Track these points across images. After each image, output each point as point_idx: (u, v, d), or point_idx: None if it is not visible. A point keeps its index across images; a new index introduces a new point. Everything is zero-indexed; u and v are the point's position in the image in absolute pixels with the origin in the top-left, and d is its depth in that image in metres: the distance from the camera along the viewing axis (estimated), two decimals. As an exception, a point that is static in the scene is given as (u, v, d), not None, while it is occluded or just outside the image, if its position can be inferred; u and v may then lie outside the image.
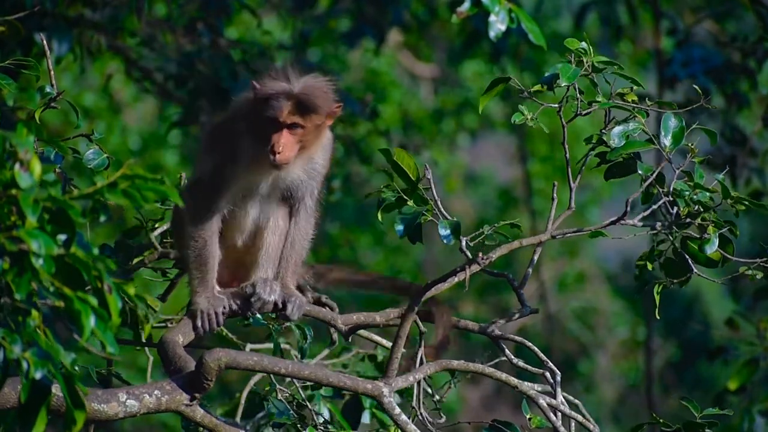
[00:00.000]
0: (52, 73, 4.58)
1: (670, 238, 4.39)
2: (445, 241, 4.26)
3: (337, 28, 10.34)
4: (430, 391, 4.64)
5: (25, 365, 3.26)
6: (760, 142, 9.01)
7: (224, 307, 4.58)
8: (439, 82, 14.11)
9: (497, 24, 6.01)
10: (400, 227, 4.36)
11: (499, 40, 6.04)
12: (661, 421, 4.31)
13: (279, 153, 4.48)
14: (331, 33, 10.92)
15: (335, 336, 4.88)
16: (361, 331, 4.73)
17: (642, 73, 13.41)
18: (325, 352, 4.96)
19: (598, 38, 11.01)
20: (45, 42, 4.95)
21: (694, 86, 4.64)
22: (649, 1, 9.66)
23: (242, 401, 4.95)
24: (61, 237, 3.27)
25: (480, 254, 4.32)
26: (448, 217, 4.32)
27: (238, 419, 4.88)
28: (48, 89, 4.46)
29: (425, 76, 14.29)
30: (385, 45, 9.64)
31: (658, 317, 4.44)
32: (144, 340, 4.65)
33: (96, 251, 3.31)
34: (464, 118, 13.54)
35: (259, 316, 4.63)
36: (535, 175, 14.07)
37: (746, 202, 4.36)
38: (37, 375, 3.26)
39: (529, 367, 4.40)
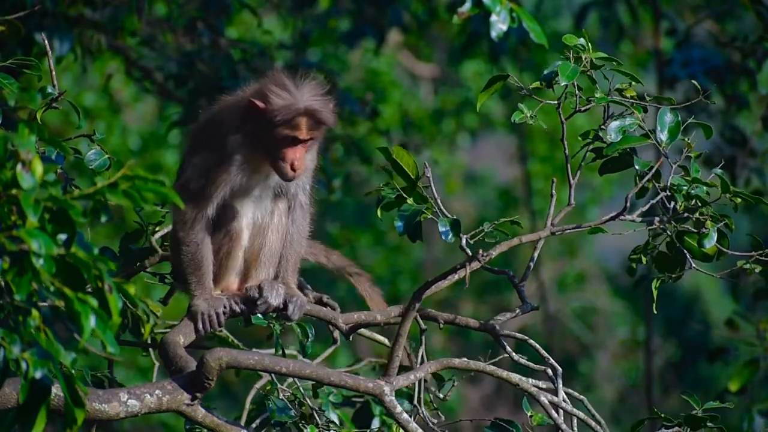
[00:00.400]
0: (53, 73, 4.57)
1: (668, 232, 4.40)
2: (444, 238, 4.26)
3: (337, 28, 10.34)
4: (434, 389, 4.63)
5: (24, 365, 3.26)
6: (759, 142, 9.01)
7: (224, 307, 4.57)
8: (439, 82, 14.11)
9: (499, 24, 6.00)
10: (399, 225, 4.37)
11: (499, 40, 6.03)
12: (662, 416, 4.32)
13: (298, 169, 4.50)
14: (331, 33, 10.91)
15: (336, 335, 4.88)
16: (364, 331, 4.73)
17: (642, 74, 13.41)
18: (329, 350, 4.94)
19: (599, 39, 11.01)
20: (46, 42, 4.95)
21: (693, 81, 4.65)
22: (649, 2, 9.66)
23: (247, 405, 4.94)
24: (62, 237, 3.26)
25: (480, 251, 4.33)
26: (448, 215, 4.32)
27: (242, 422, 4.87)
28: (50, 90, 4.46)
29: (425, 76, 14.29)
30: (385, 45, 9.63)
31: (655, 312, 4.45)
32: (144, 341, 4.65)
33: (96, 251, 3.30)
34: (464, 118, 13.54)
35: (260, 316, 4.63)
36: (535, 174, 14.07)
37: (745, 197, 4.38)
38: (37, 375, 3.26)
39: (531, 364, 4.40)
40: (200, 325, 4.53)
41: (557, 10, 13.66)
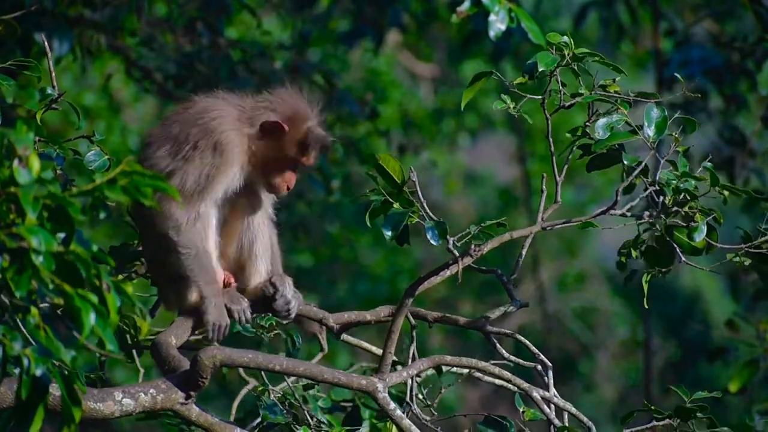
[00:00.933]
0: (53, 74, 4.57)
1: (657, 227, 4.43)
2: (431, 241, 4.28)
3: (337, 28, 10.35)
4: (422, 397, 4.63)
5: (25, 362, 3.27)
6: (759, 142, 9.02)
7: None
8: (439, 82, 14.12)
9: (497, 23, 6.02)
10: (387, 230, 4.39)
11: (498, 40, 6.05)
12: (653, 408, 4.34)
13: (291, 189, 4.61)
14: (331, 33, 10.93)
15: (324, 342, 4.87)
16: (350, 339, 4.71)
17: (641, 74, 13.42)
18: (319, 356, 4.92)
19: (599, 39, 11.02)
20: (46, 42, 4.96)
21: (676, 74, 4.67)
22: (648, 2, 9.67)
23: (233, 411, 4.94)
24: (61, 234, 3.27)
25: (473, 246, 4.35)
26: (434, 218, 4.34)
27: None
28: (49, 91, 4.46)
29: (425, 76, 14.29)
30: (384, 45, 9.65)
31: (647, 306, 4.48)
32: (140, 343, 4.67)
33: (95, 249, 3.32)
34: (464, 118, 13.55)
35: (248, 325, 4.61)
36: (534, 174, 14.07)
37: (733, 189, 4.41)
38: (38, 372, 3.27)
39: (521, 361, 4.42)
40: (210, 335, 4.53)
41: (557, 10, 13.67)
